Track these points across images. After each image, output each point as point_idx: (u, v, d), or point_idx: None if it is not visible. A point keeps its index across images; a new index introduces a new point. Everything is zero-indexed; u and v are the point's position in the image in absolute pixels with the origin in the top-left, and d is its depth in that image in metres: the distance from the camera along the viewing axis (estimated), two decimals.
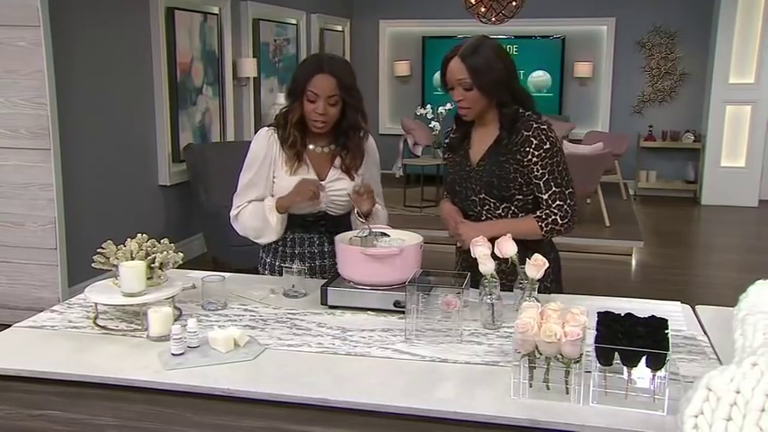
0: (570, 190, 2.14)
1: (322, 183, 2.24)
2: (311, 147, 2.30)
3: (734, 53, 7.82)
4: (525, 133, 2.13)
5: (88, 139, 4.60)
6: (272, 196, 2.30)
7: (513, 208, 2.19)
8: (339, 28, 8.96)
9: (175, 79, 5.46)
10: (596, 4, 8.57)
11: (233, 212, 2.32)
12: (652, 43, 8.54)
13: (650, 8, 8.42)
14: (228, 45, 6.27)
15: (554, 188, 2.12)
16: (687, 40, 8.43)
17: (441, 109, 7.35)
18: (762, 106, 7.92)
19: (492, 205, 2.19)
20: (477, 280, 1.97)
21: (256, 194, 2.30)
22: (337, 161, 2.31)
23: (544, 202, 2.13)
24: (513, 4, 6.97)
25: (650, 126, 8.57)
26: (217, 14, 6.09)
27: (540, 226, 2.13)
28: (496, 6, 6.99)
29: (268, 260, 2.41)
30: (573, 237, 2.23)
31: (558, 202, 2.12)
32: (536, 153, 2.11)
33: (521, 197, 2.18)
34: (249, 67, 6.51)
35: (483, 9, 7.02)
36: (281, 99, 7.09)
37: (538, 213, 2.14)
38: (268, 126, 2.34)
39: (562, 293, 2.21)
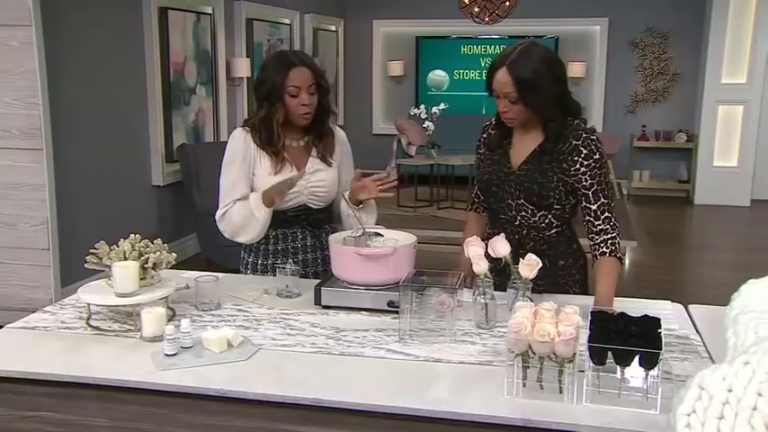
0: (613, 203, 2.12)
1: (298, 174, 2.23)
2: (287, 142, 2.32)
3: (726, 53, 7.85)
4: (574, 142, 2.09)
5: (81, 139, 4.58)
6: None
7: (549, 216, 2.15)
8: (333, 28, 8.95)
9: (169, 79, 5.45)
10: (589, 5, 8.59)
11: (219, 213, 2.32)
12: (645, 43, 8.56)
13: (643, 8, 8.45)
14: (222, 45, 6.25)
15: (602, 199, 2.09)
16: (680, 41, 8.45)
17: (434, 109, 7.36)
18: (754, 106, 7.96)
19: (529, 212, 2.15)
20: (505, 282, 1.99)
21: (240, 194, 2.29)
22: (314, 151, 2.34)
23: (592, 213, 2.09)
24: (507, 4, 6.98)
25: (643, 126, 8.59)
26: (210, 14, 6.07)
27: (620, 257, 2.08)
28: (490, 6, 6.99)
29: (250, 259, 2.41)
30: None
31: (606, 214, 2.08)
32: (585, 163, 2.08)
33: (558, 207, 2.14)
34: (242, 67, 6.49)
35: (476, 9, 7.03)
36: None
37: (605, 249, 2.06)
38: (241, 127, 2.34)
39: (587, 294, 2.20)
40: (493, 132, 2.25)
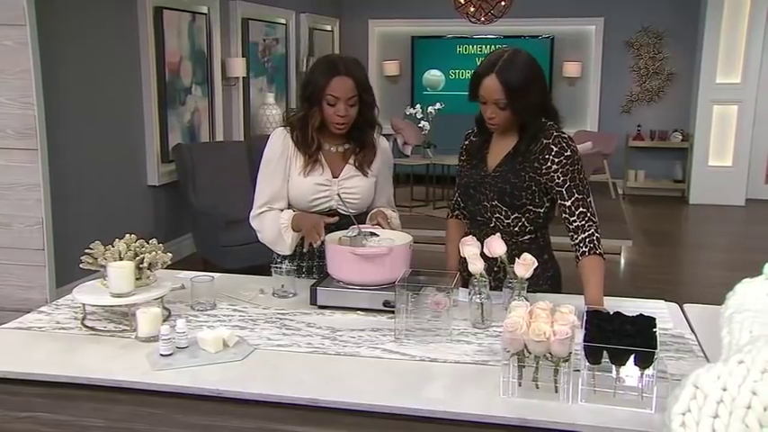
0: (590, 198, 2.12)
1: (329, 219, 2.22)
2: (326, 146, 2.31)
3: (720, 53, 7.87)
4: (545, 141, 2.11)
5: (76, 139, 4.57)
6: (289, 207, 2.29)
7: (523, 219, 2.16)
8: (328, 28, 8.95)
9: (164, 79, 5.44)
10: (585, 4, 8.60)
11: (253, 213, 2.31)
12: (640, 43, 8.58)
13: (638, 8, 8.47)
14: (217, 45, 6.24)
15: (576, 195, 2.09)
16: (675, 41, 8.48)
17: (430, 109, 7.36)
18: (748, 106, 7.98)
19: (503, 214, 2.17)
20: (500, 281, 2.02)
21: (273, 191, 2.28)
22: (351, 159, 2.32)
23: (567, 209, 2.09)
24: (502, 3, 6.99)
25: (639, 125, 8.61)
26: (205, 14, 6.06)
27: (600, 254, 2.05)
28: (485, 6, 7.00)
29: (279, 260, 2.40)
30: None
31: (581, 209, 2.08)
32: (556, 160, 2.09)
33: (532, 208, 2.15)
34: (238, 67, 6.49)
35: (472, 9, 7.04)
36: (270, 99, 7.08)
37: (584, 248, 2.05)
38: (282, 126, 2.34)
39: None
40: (474, 140, 2.29)
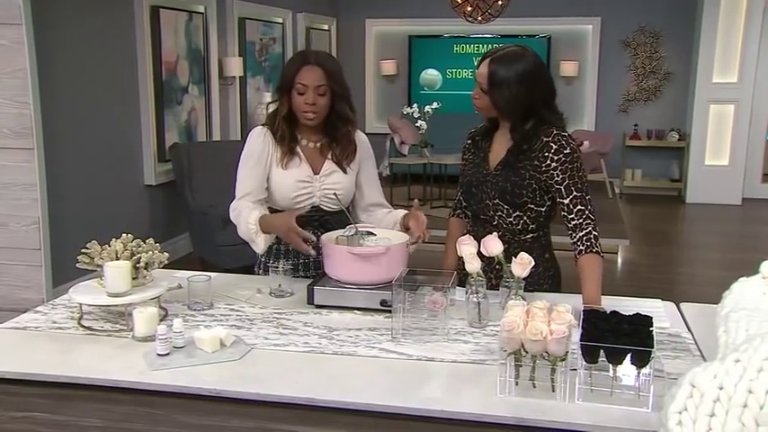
0: (589, 196, 2.12)
1: (313, 239, 2.16)
2: (304, 142, 2.31)
3: (717, 53, 7.89)
4: (545, 139, 2.12)
5: (73, 138, 4.56)
6: (264, 200, 2.28)
7: (525, 217, 2.17)
8: (325, 27, 8.94)
9: (161, 78, 5.43)
10: (582, 4, 8.61)
11: (232, 205, 2.30)
12: (637, 42, 8.59)
13: (635, 8, 8.48)
14: (214, 44, 6.24)
15: (575, 192, 2.09)
16: (671, 40, 8.49)
17: (427, 108, 7.36)
18: (744, 105, 7.99)
19: (505, 212, 2.18)
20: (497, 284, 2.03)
21: (251, 187, 2.27)
22: (329, 154, 2.32)
23: (565, 207, 2.10)
24: (500, 3, 6.99)
25: (635, 125, 8.62)
26: (202, 13, 6.06)
27: (597, 252, 2.05)
28: (482, 5, 7.00)
29: (263, 259, 2.40)
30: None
31: (579, 207, 2.08)
32: (555, 158, 2.10)
33: (533, 206, 2.16)
34: (235, 66, 6.48)
35: (469, 8, 7.04)
36: (268, 98, 7.08)
37: (581, 247, 2.05)
38: (262, 125, 2.35)
39: None
40: (478, 139, 2.30)
